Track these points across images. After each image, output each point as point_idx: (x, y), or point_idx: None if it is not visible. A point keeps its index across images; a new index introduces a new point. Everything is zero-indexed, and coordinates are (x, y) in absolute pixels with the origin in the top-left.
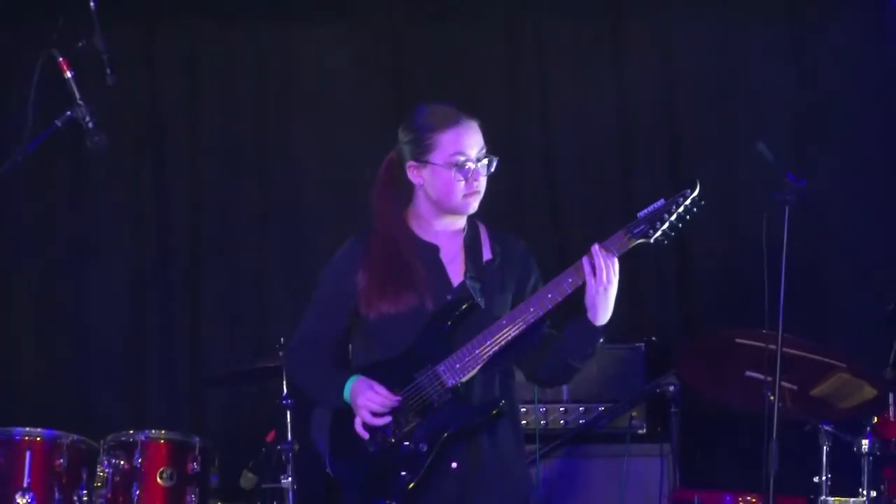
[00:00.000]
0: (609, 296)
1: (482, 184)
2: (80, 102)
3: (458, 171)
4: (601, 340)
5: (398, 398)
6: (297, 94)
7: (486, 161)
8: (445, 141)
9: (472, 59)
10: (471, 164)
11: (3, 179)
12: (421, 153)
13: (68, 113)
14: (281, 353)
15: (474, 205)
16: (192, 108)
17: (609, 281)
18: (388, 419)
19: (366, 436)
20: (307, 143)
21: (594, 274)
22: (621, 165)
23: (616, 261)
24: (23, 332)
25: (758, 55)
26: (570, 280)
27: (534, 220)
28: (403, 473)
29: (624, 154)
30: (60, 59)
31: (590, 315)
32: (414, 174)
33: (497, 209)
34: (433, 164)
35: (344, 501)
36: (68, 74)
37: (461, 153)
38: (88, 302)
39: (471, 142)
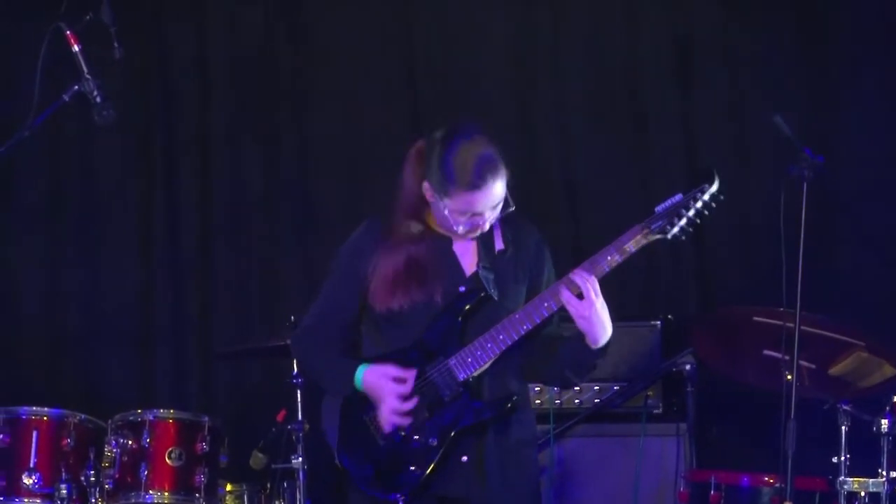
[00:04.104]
0: (601, 317)
1: (487, 225)
2: (87, 76)
3: (465, 219)
4: (600, 359)
5: (414, 371)
6: (307, 71)
7: (497, 210)
8: (461, 200)
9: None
10: (478, 218)
11: (10, 155)
12: (437, 189)
13: (75, 87)
14: (290, 338)
15: (475, 237)
16: (202, 85)
17: (594, 302)
18: (416, 401)
19: (389, 429)
20: (318, 119)
21: (580, 299)
22: (634, 142)
23: (595, 280)
24: (31, 310)
25: (766, 24)
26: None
27: (546, 191)
28: (413, 468)
29: (637, 128)
30: (68, 32)
31: (587, 340)
32: (427, 192)
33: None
34: (444, 205)
35: (351, 494)
36: (76, 48)
37: (473, 212)
38: (97, 280)
39: (486, 203)
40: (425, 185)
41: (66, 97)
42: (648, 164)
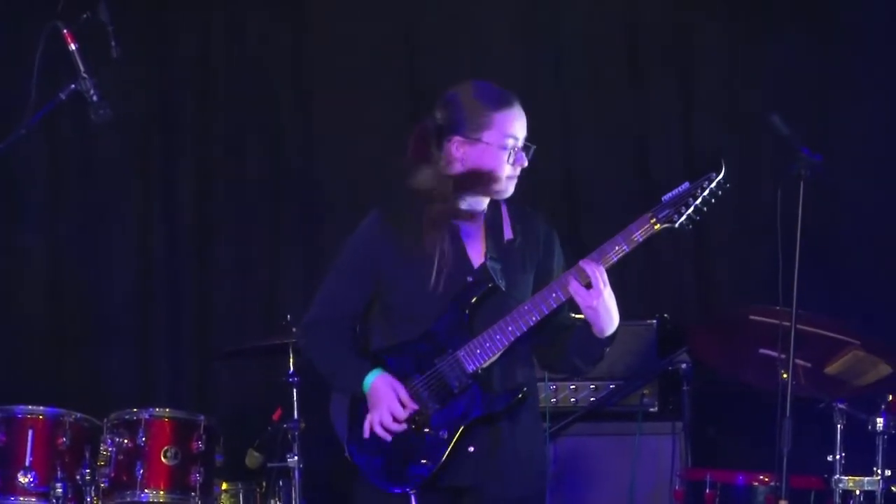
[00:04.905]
0: (608, 307)
1: (526, 162)
2: (84, 75)
3: (508, 153)
4: (608, 348)
5: (416, 407)
6: (310, 66)
7: (527, 148)
8: (501, 121)
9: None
10: (519, 148)
11: (9, 153)
12: (472, 130)
13: (72, 86)
14: (295, 329)
15: (511, 189)
16: (202, 79)
17: (602, 292)
18: (404, 426)
19: (385, 435)
20: (320, 114)
21: (588, 289)
22: (635, 139)
23: (603, 270)
24: (30, 308)
25: (766, 21)
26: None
27: (544, 185)
28: (424, 461)
29: (639, 123)
30: (65, 30)
31: (594, 330)
32: (456, 149)
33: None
34: (485, 142)
35: (358, 487)
36: (73, 47)
37: (513, 136)
38: (96, 278)
39: (521, 125)
40: (454, 139)
41: (62, 96)
42: (647, 165)
